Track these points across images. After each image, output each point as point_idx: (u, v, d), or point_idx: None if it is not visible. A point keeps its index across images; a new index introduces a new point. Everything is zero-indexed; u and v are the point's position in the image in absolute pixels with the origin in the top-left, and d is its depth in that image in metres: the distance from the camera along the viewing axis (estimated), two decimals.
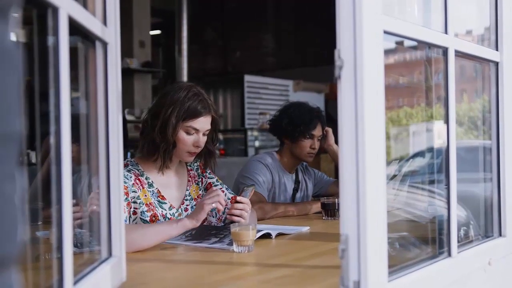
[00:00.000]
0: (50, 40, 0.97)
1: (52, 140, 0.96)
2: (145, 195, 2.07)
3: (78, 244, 1.28)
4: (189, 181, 2.25)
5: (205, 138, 2.12)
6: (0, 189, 0.52)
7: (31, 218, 1.09)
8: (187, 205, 2.20)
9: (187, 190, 2.22)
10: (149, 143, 2.09)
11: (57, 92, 0.96)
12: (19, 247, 0.56)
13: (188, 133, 2.08)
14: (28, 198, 0.76)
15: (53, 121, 0.95)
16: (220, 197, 1.91)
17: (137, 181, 2.07)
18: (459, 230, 1.53)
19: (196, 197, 2.24)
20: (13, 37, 0.55)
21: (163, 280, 1.49)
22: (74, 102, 1.03)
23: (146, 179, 2.11)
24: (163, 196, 2.12)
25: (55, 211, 0.95)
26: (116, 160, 1.32)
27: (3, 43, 0.53)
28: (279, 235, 2.08)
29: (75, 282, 1.04)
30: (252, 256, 1.74)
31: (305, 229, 2.25)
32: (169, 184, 2.17)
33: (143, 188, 2.08)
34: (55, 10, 0.95)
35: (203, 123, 2.09)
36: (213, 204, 1.88)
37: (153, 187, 2.11)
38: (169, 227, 1.88)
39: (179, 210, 2.16)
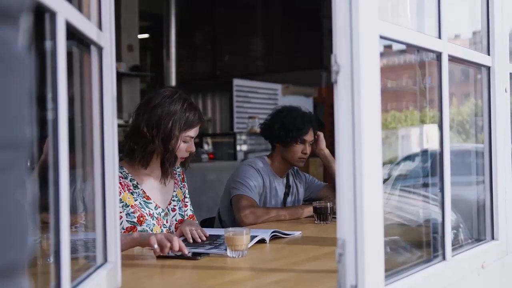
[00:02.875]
0: (47, 44, 0.96)
1: (49, 144, 0.95)
2: (129, 197, 2.12)
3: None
4: (175, 183, 2.33)
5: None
6: (12, 196, 0.52)
7: None
8: (174, 205, 2.27)
9: (174, 191, 2.30)
10: (146, 152, 2.12)
11: (55, 96, 0.95)
12: (30, 253, 0.55)
13: (185, 141, 2.18)
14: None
15: (51, 125, 0.94)
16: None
17: (119, 184, 2.07)
18: None
19: (181, 199, 2.33)
20: (22, 43, 0.55)
21: (158, 286, 1.49)
22: (68, 107, 1.02)
23: (130, 181, 2.16)
24: (148, 196, 2.18)
25: (53, 217, 0.95)
26: (111, 165, 1.31)
27: (13, 49, 0.52)
28: (273, 238, 2.08)
29: None
30: (247, 261, 1.74)
31: (297, 233, 2.25)
32: (155, 186, 2.23)
33: (127, 190, 2.12)
34: (53, 14, 0.94)
35: (197, 130, 2.21)
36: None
37: (139, 188, 2.17)
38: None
39: (166, 210, 2.23)
